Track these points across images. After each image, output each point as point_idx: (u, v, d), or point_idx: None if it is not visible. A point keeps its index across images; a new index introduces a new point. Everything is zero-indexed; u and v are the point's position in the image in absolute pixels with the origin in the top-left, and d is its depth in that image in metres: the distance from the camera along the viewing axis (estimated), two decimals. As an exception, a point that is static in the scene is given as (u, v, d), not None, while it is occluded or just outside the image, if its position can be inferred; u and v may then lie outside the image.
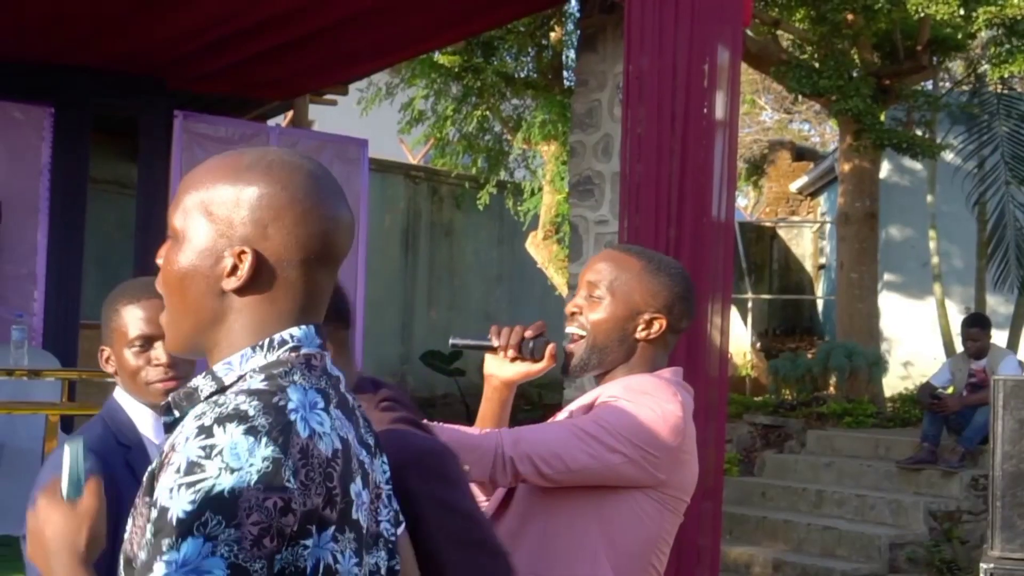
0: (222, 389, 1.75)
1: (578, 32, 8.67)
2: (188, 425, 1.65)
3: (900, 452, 11.00)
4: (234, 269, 1.79)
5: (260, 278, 1.80)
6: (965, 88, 15.94)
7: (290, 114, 12.11)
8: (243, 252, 1.78)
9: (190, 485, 1.59)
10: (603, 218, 7.38)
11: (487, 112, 15.51)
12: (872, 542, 9.84)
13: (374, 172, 12.86)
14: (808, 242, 21.08)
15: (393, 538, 1.91)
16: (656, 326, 3.10)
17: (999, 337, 12.61)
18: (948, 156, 15.12)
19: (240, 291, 1.80)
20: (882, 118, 13.54)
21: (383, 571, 1.85)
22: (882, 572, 9.63)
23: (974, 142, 14.26)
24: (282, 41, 8.55)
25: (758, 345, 17.61)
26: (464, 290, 16.36)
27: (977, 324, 11.07)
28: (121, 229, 11.61)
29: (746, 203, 24.66)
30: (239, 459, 1.60)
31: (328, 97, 11.75)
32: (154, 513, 1.61)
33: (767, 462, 12.00)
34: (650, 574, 3.06)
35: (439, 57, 14.26)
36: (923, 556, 9.81)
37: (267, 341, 1.79)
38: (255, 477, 1.60)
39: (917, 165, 16.48)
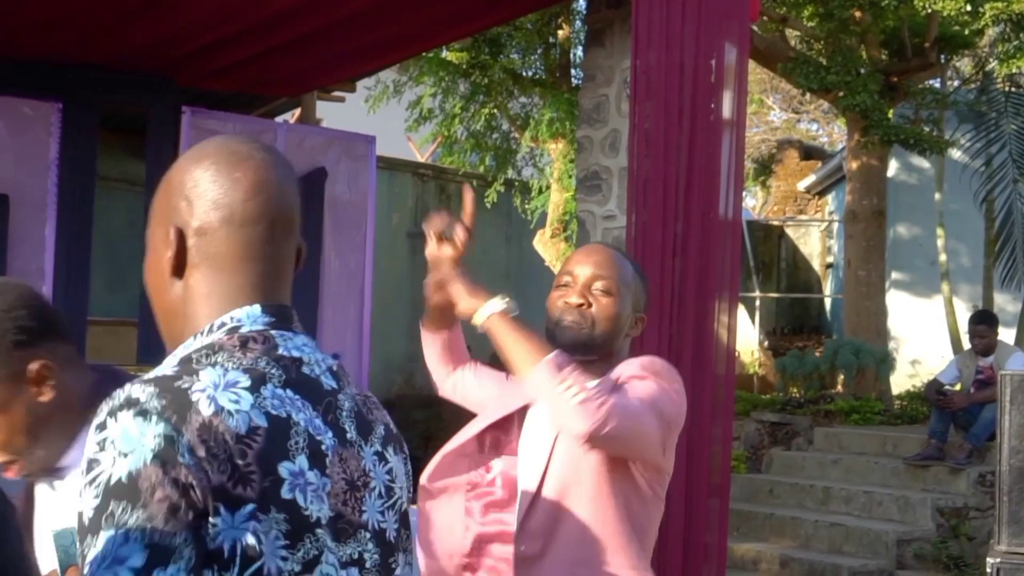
0: None
1: (585, 28, 8.67)
2: (91, 427, 1.65)
3: (907, 449, 11.00)
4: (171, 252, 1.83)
5: (186, 254, 1.82)
6: (973, 86, 15.93)
7: (298, 111, 12.12)
8: (170, 230, 1.82)
9: (91, 482, 1.59)
10: (610, 213, 7.38)
11: (495, 110, 15.52)
12: (879, 538, 9.84)
13: (382, 170, 12.86)
14: (816, 241, 21.07)
15: (393, 534, 1.88)
16: (640, 326, 3.29)
17: (1007, 335, 12.60)
18: (956, 154, 15.11)
19: (178, 269, 1.82)
20: (890, 115, 13.54)
21: (369, 563, 1.81)
22: (889, 568, 9.63)
23: (981, 140, 14.25)
24: (290, 38, 8.55)
25: (766, 343, 17.62)
26: (471, 288, 16.32)
27: (984, 321, 11.06)
28: (129, 226, 11.63)
29: (754, 203, 24.66)
30: (130, 442, 1.59)
31: (336, 94, 11.75)
32: (77, 523, 1.62)
33: (774, 459, 12.00)
34: (650, 554, 3.14)
35: (447, 54, 14.27)
36: (930, 552, 9.81)
37: (208, 327, 1.79)
38: (149, 455, 1.58)
39: (925, 163, 16.47)
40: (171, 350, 1.85)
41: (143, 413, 1.61)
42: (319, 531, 1.70)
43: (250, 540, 1.62)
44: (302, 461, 1.70)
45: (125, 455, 1.58)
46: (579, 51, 14.26)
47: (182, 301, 1.83)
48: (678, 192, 5.99)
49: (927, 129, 14.27)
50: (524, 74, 15.35)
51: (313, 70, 9.91)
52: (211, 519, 1.60)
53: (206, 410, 1.63)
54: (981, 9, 12.15)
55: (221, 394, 1.66)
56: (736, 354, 6.81)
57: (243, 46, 8.88)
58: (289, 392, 1.74)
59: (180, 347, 1.80)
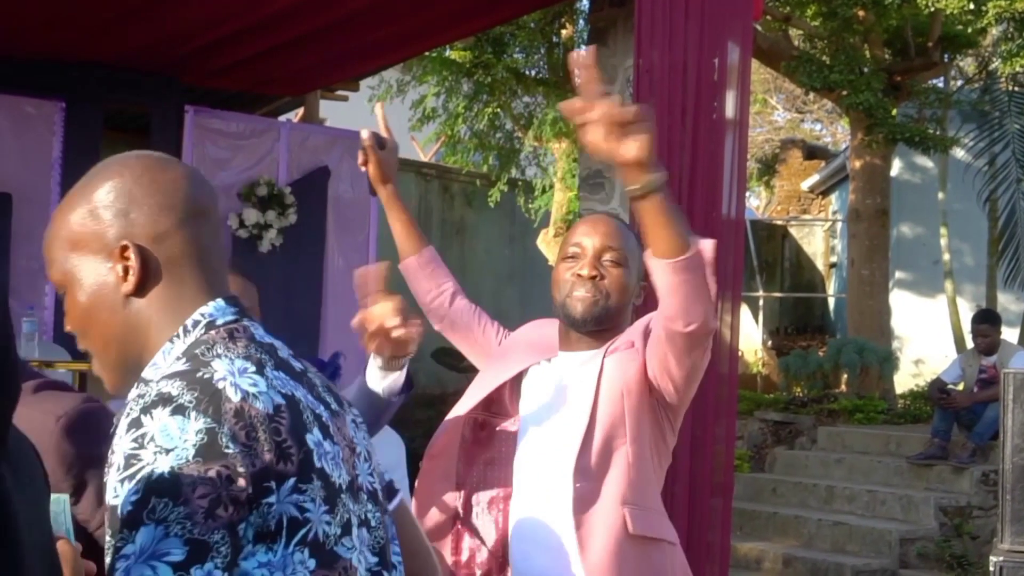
0: None
1: (588, 27, 8.67)
2: (120, 425, 1.66)
3: (911, 448, 10.99)
4: (125, 271, 1.80)
5: (151, 264, 1.80)
6: (976, 85, 15.93)
7: (301, 111, 12.12)
8: (124, 248, 1.79)
9: (131, 477, 1.60)
10: (613, 211, 7.37)
11: (498, 110, 15.51)
12: (882, 537, 9.84)
13: (385, 169, 12.84)
14: (819, 240, 21.06)
15: (381, 494, 1.93)
16: (642, 295, 3.30)
17: (1010, 335, 12.60)
18: (959, 153, 15.12)
19: (141, 287, 1.80)
20: (894, 113, 13.55)
21: (373, 522, 1.86)
22: (892, 567, 9.63)
23: (985, 139, 14.25)
24: (293, 36, 8.54)
25: (769, 343, 17.60)
26: (475, 288, 16.27)
27: (987, 320, 11.06)
28: (133, 225, 11.62)
29: (758, 203, 24.63)
30: (172, 439, 1.61)
31: (339, 93, 11.74)
32: (107, 517, 1.63)
33: (778, 458, 12.00)
34: None
35: (450, 53, 14.27)
36: (933, 551, 9.81)
37: (182, 329, 1.79)
38: (192, 452, 1.60)
39: (928, 162, 16.47)
40: (122, 378, 1.84)
41: (180, 409, 1.63)
42: (343, 496, 1.76)
43: (294, 511, 1.66)
44: (317, 433, 1.75)
45: (167, 451, 1.60)
46: (582, 50, 14.26)
47: (143, 318, 1.82)
48: (681, 191, 5.97)
49: (931, 129, 14.28)
50: (527, 73, 15.34)
51: (316, 69, 9.91)
52: (265, 499, 1.64)
53: (234, 397, 1.67)
54: (984, 7, 12.14)
55: (241, 380, 1.69)
56: (740, 353, 6.81)
57: (246, 45, 8.88)
58: (281, 373, 1.77)
59: (159, 354, 1.79)
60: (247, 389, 1.68)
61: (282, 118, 11.78)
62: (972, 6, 12.13)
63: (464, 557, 3.21)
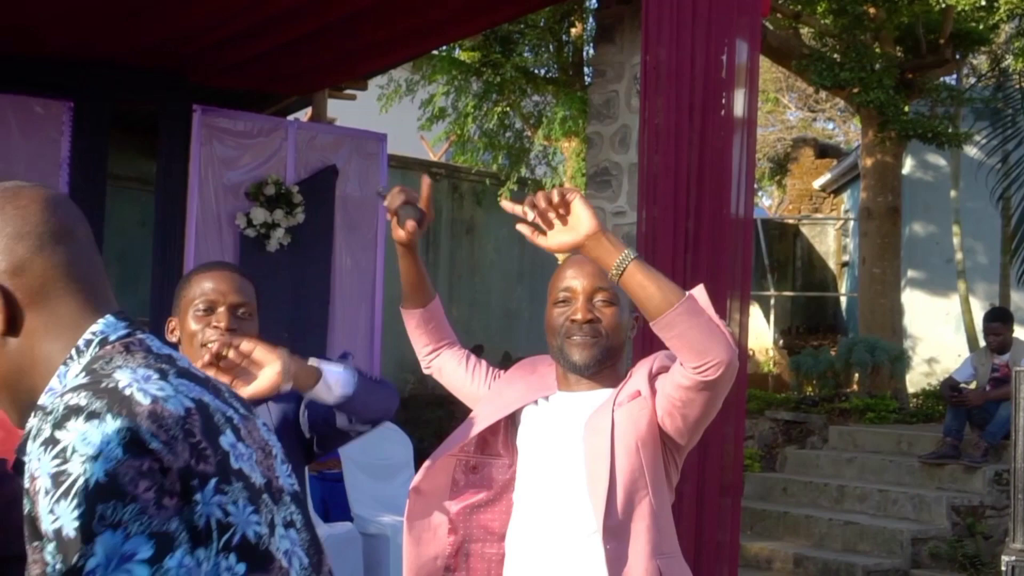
0: None
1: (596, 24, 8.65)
2: (33, 450, 1.60)
3: (923, 447, 10.94)
4: None
5: (16, 299, 1.75)
6: (989, 82, 15.88)
7: (310, 110, 12.11)
8: None
9: (66, 494, 1.53)
10: (620, 209, 7.35)
11: (508, 109, 15.51)
12: (894, 537, 9.79)
13: (394, 169, 12.85)
14: (831, 239, 21.01)
15: (301, 496, 1.89)
16: (636, 326, 3.32)
17: (1023, 333, 12.53)
18: (972, 151, 15.06)
19: (12, 324, 1.75)
20: (906, 110, 13.50)
21: (299, 524, 1.82)
22: (904, 567, 9.57)
23: (998, 137, 14.18)
24: (301, 34, 8.55)
25: (781, 342, 17.56)
26: (485, 287, 16.31)
27: (999, 318, 10.99)
28: (141, 225, 11.63)
29: (770, 202, 24.58)
30: (94, 444, 1.55)
31: (348, 92, 11.73)
32: (49, 547, 1.55)
33: (789, 458, 11.96)
34: None
35: (459, 53, 14.27)
36: (945, 551, 9.75)
37: (74, 350, 1.74)
38: (120, 451, 1.55)
39: (940, 160, 16.41)
40: (25, 417, 1.76)
41: (93, 415, 1.57)
42: (265, 496, 1.73)
43: (218, 513, 1.62)
44: (230, 435, 1.71)
45: (94, 458, 1.54)
46: (592, 49, 14.26)
47: (25, 353, 1.76)
48: (689, 188, 5.95)
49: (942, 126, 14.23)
50: (537, 72, 15.34)
51: (324, 67, 9.91)
52: (193, 496, 1.60)
53: (144, 400, 1.61)
54: (996, 4, 12.09)
55: (147, 385, 1.64)
56: (750, 353, 6.76)
57: (254, 43, 8.87)
58: (185, 380, 1.73)
59: (54, 379, 1.74)
60: (155, 393, 1.63)
61: (290, 117, 11.77)
62: (984, 2, 12.08)
63: None
